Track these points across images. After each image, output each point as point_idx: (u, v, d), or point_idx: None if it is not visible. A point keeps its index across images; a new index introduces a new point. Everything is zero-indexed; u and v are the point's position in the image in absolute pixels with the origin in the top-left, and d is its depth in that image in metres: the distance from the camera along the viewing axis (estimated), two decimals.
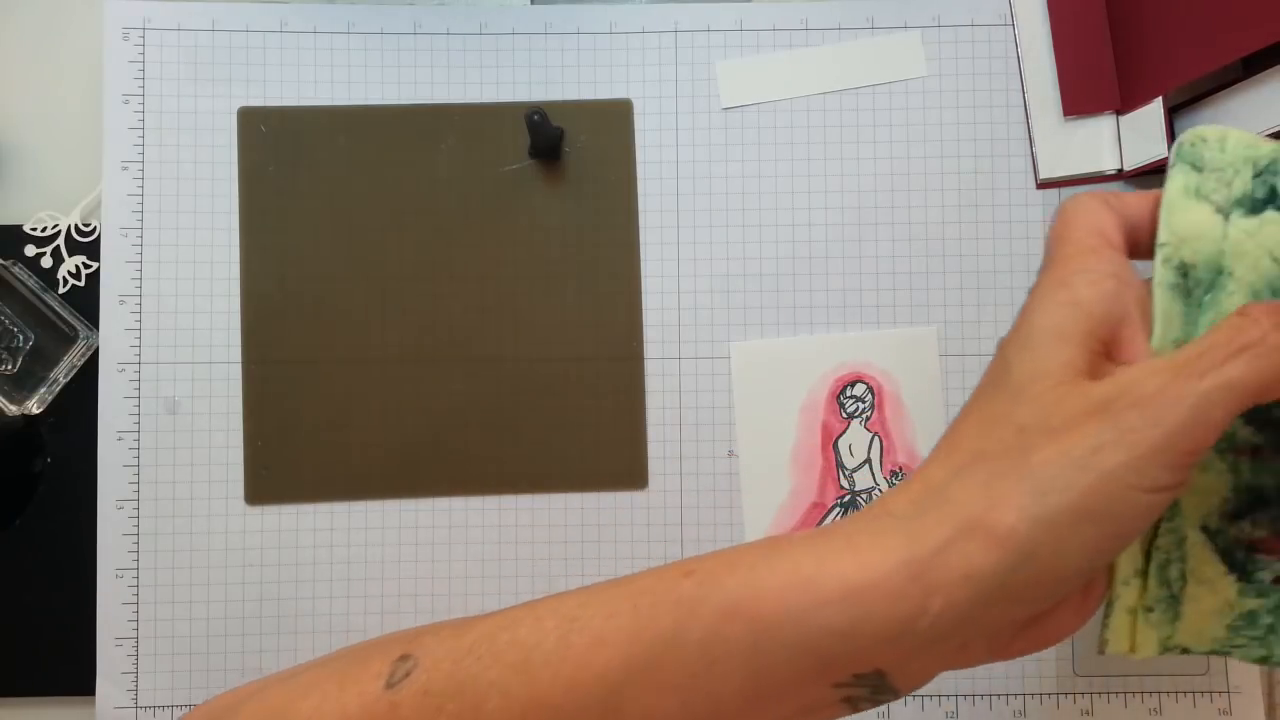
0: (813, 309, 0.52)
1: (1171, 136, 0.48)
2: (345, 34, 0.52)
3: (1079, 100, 0.51)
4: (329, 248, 0.51)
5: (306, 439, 0.51)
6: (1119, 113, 0.51)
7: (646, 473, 0.51)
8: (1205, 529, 0.32)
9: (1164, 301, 0.31)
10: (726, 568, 0.30)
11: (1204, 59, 0.45)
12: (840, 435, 0.51)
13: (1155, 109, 0.48)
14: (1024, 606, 0.29)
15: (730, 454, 0.51)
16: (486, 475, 0.51)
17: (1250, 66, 0.45)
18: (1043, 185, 0.52)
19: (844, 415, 0.51)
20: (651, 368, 0.52)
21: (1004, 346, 0.32)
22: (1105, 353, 0.30)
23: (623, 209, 0.52)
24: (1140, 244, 0.33)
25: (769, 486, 0.51)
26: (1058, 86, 0.52)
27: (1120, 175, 0.51)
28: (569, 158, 0.52)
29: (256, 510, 0.51)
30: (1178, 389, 0.27)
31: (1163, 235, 0.32)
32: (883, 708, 0.50)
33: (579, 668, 0.29)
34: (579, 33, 0.52)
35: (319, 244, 0.51)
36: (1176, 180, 0.32)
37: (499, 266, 0.52)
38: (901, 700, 0.50)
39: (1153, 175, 0.51)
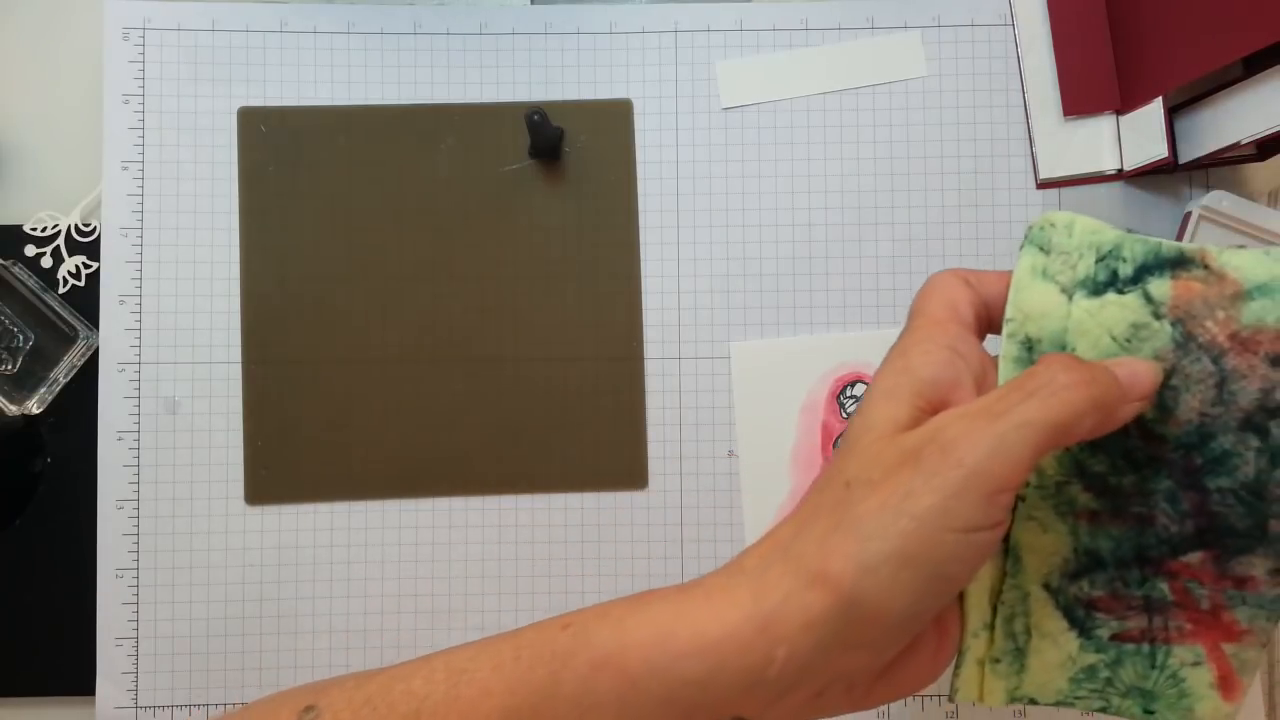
0: (813, 309, 0.52)
1: (1172, 136, 0.48)
2: (345, 34, 0.52)
3: (1079, 100, 0.51)
4: (329, 248, 0.51)
5: (306, 439, 0.51)
6: (1119, 113, 0.51)
7: (646, 473, 0.51)
8: (1047, 586, 0.34)
9: (1007, 372, 0.33)
10: (598, 620, 0.32)
11: (1204, 59, 0.45)
12: (840, 435, 0.51)
13: (1155, 109, 0.48)
14: (866, 652, 0.30)
15: (730, 454, 0.51)
16: (486, 475, 0.51)
17: (1250, 66, 0.45)
18: (1043, 185, 0.52)
19: (844, 415, 0.51)
20: (651, 368, 0.52)
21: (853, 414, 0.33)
22: (931, 411, 0.31)
23: (623, 209, 0.52)
24: (995, 320, 0.34)
25: (769, 486, 0.51)
26: (1058, 86, 0.52)
27: (1120, 175, 0.51)
28: (569, 158, 0.52)
29: (256, 510, 0.51)
30: (979, 430, 0.29)
31: (1010, 311, 0.34)
32: (882, 707, 0.50)
33: (464, 718, 0.31)
34: (579, 33, 0.52)
35: (319, 244, 0.51)
36: (1025, 261, 0.34)
37: (499, 266, 0.52)
38: (902, 700, 0.50)
39: (1151, 175, 0.51)
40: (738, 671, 0.30)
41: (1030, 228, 0.35)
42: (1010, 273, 0.34)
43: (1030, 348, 0.33)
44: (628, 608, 0.32)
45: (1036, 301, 0.34)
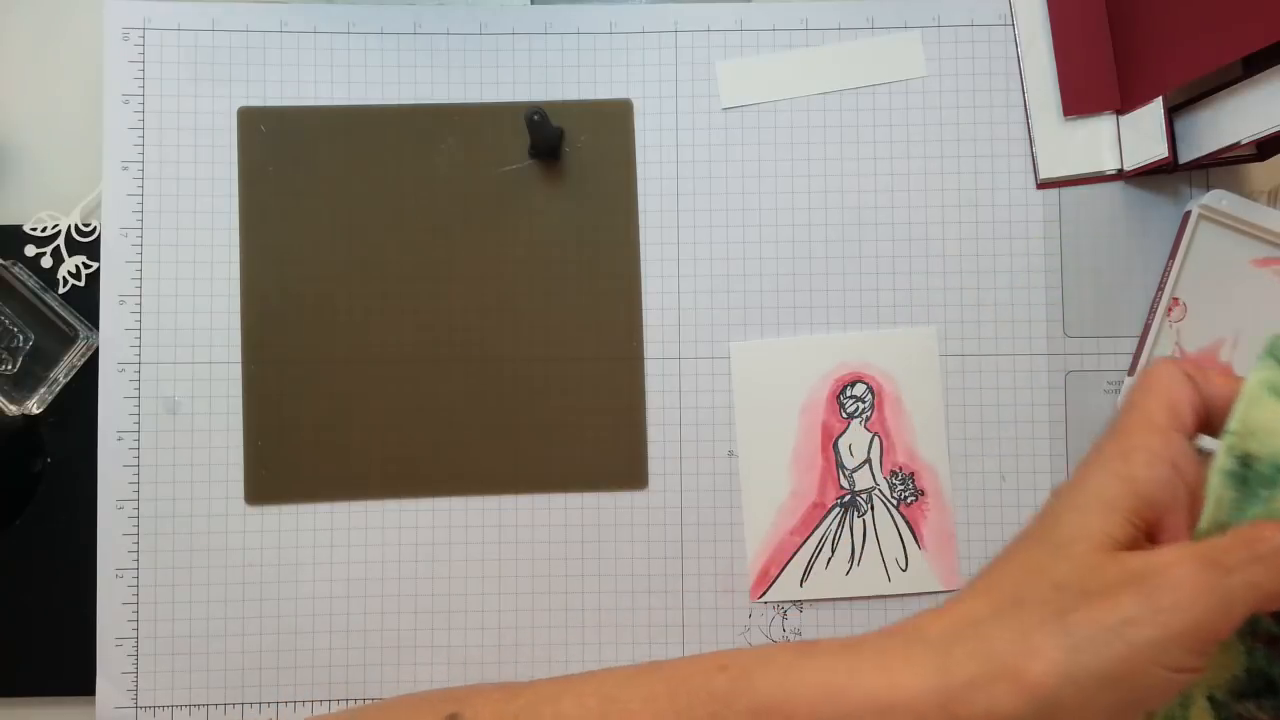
0: (813, 309, 0.52)
1: (1172, 136, 0.48)
2: (345, 34, 0.52)
3: (1079, 100, 0.51)
4: (329, 248, 0.51)
5: (306, 439, 0.51)
6: (1119, 113, 0.51)
7: (646, 473, 0.51)
8: (1212, 699, 0.34)
9: (1218, 486, 0.32)
10: (760, 665, 0.32)
11: (1204, 59, 0.45)
12: (840, 435, 0.51)
13: (1155, 109, 0.48)
14: None
15: (730, 454, 0.51)
16: (486, 475, 0.51)
17: (1250, 66, 0.45)
18: (1043, 185, 0.52)
19: (844, 415, 0.51)
20: (651, 368, 0.52)
21: (1057, 495, 0.33)
22: (1146, 530, 0.31)
23: (623, 209, 0.52)
24: (1214, 423, 0.34)
25: (769, 486, 0.51)
26: (1058, 86, 0.52)
27: (1120, 175, 0.51)
28: (569, 158, 0.52)
29: (256, 510, 0.51)
30: (1209, 581, 0.29)
31: (1233, 424, 0.33)
32: None
33: None
34: (579, 33, 0.52)
35: (319, 244, 0.51)
36: (1261, 374, 0.33)
37: (499, 266, 0.52)
38: None
39: (1151, 175, 0.51)
40: None
41: (1273, 340, 0.33)
42: (1237, 377, 0.33)
43: (1247, 464, 0.32)
44: (792, 656, 0.32)
45: (1265, 419, 0.32)
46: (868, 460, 0.51)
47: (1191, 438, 0.33)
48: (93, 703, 0.50)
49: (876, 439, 0.51)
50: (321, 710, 0.50)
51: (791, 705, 0.30)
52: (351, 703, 0.50)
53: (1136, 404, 0.34)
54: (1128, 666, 0.29)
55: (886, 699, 0.30)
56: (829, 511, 0.51)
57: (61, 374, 0.51)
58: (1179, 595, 0.29)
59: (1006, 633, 0.30)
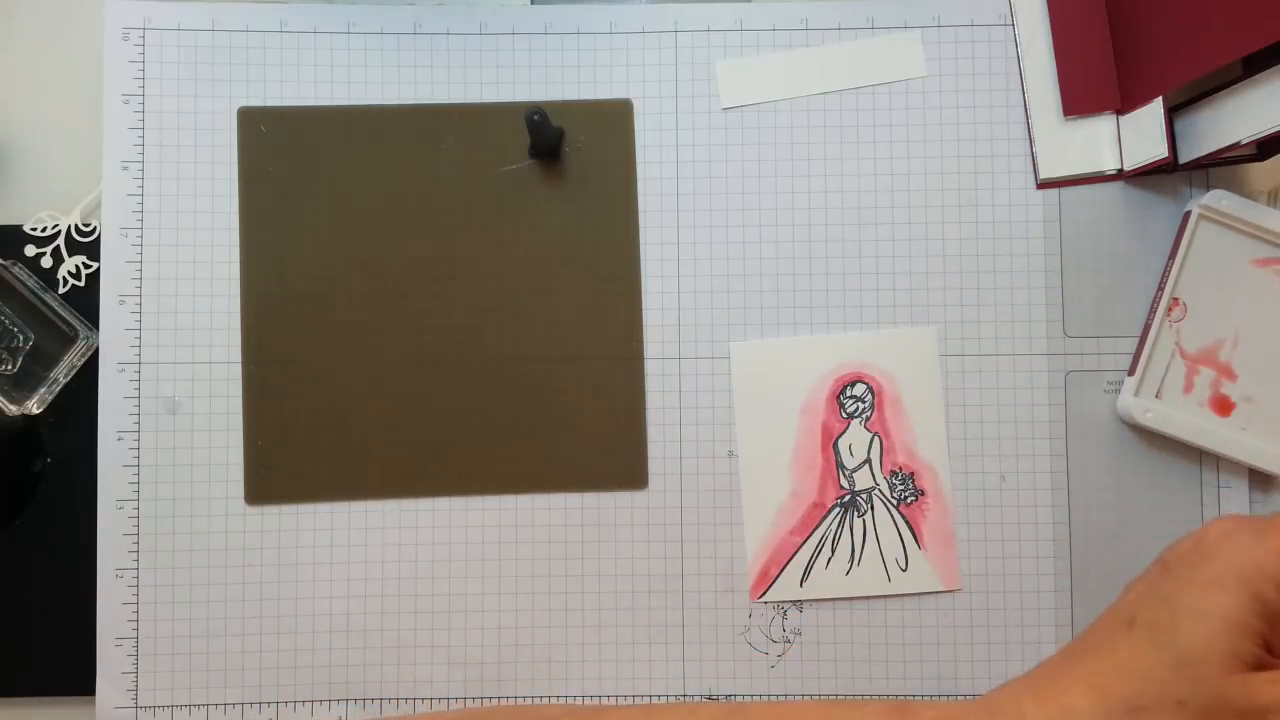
0: (813, 309, 0.52)
1: (1172, 136, 0.48)
2: (345, 34, 0.52)
3: (1079, 100, 0.51)
4: (329, 248, 0.51)
5: (306, 439, 0.51)
6: (1119, 113, 0.51)
7: (646, 473, 0.51)
8: None
9: None
10: None
11: (1204, 59, 0.45)
12: (840, 435, 0.51)
13: (1155, 109, 0.48)
14: None
15: (730, 454, 0.51)
16: (486, 475, 0.51)
17: (1250, 66, 0.45)
18: (1043, 185, 0.52)
19: (844, 415, 0.51)
20: (651, 368, 0.52)
21: (1172, 576, 0.33)
22: (1268, 648, 0.31)
23: (623, 209, 0.52)
24: None
25: (769, 486, 0.51)
26: (1058, 86, 0.52)
27: (1120, 175, 0.51)
28: (569, 158, 0.52)
29: (256, 510, 0.51)
30: None
31: None
32: None
33: None
34: (579, 33, 0.52)
35: (319, 244, 0.51)
36: None
37: (499, 266, 0.52)
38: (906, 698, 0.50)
39: (1151, 175, 0.51)
40: None
41: None
42: None
43: None
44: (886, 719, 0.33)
45: None
46: (868, 460, 0.51)
47: None
48: (93, 703, 0.50)
49: (876, 439, 0.51)
50: (321, 710, 0.50)
51: None
52: (351, 703, 0.50)
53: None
54: None
55: None
56: (829, 511, 0.51)
57: (61, 374, 0.51)
58: None
59: None
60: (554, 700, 0.51)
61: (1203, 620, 0.31)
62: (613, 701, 0.50)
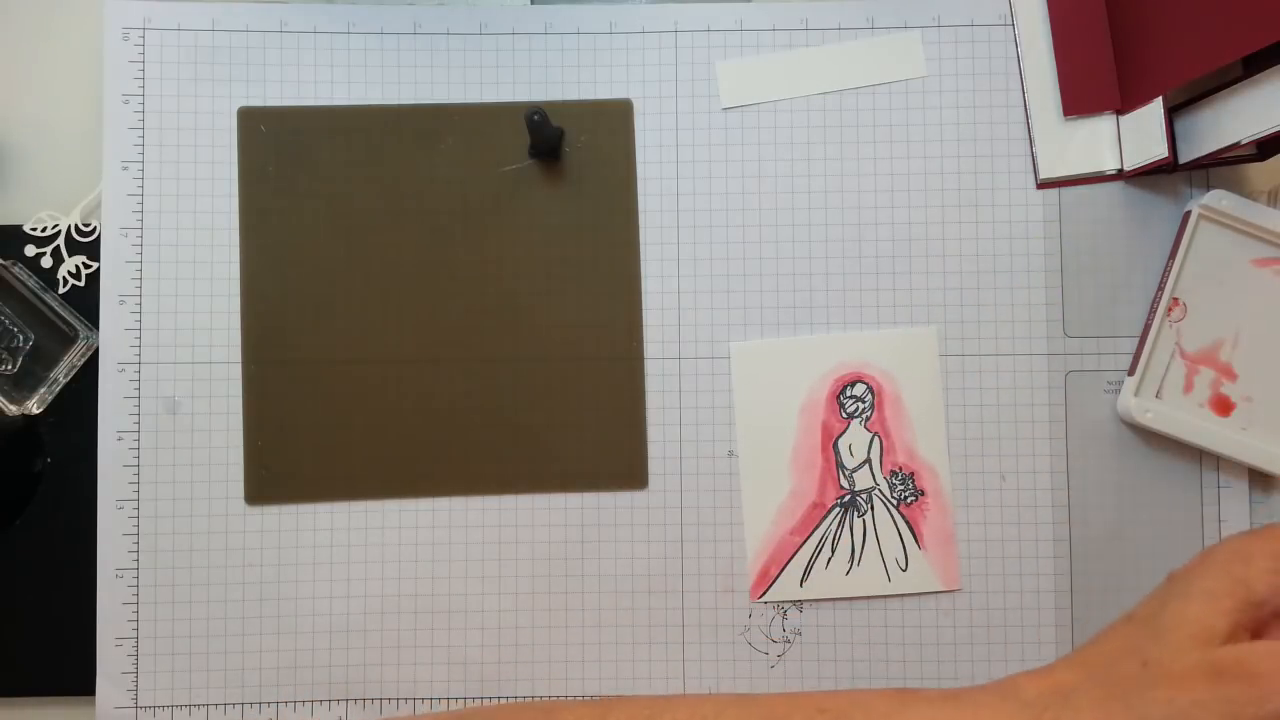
0: (813, 309, 0.52)
1: (1172, 136, 0.48)
2: (345, 34, 0.52)
3: (1079, 100, 0.51)
4: (329, 248, 0.51)
5: (306, 439, 0.51)
6: (1119, 113, 0.51)
7: (646, 473, 0.51)
8: None
9: None
10: (859, 711, 0.34)
11: (1204, 59, 0.45)
12: (840, 435, 0.51)
13: (1155, 109, 0.48)
14: None
15: (730, 454, 0.51)
16: (486, 475, 0.51)
17: (1250, 66, 0.45)
18: (1043, 185, 0.52)
19: (844, 415, 0.51)
20: (651, 368, 0.52)
21: (1171, 580, 0.35)
22: (1251, 629, 0.32)
23: (623, 209, 0.52)
24: None
25: (769, 486, 0.51)
26: (1058, 86, 0.52)
27: (1120, 175, 0.51)
28: (569, 158, 0.52)
29: (256, 510, 0.51)
30: None
31: None
32: None
33: None
34: (579, 33, 0.52)
35: (319, 244, 0.51)
36: None
37: (499, 266, 0.52)
38: None
39: (1151, 175, 0.51)
40: None
41: None
42: None
43: None
44: (891, 704, 0.34)
45: None
46: (867, 460, 0.51)
47: None
48: (93, 703, 0.50)
49: (876, 439, 0.51)
50: (321, 710, 0.50)
51: None
52: (351, 703, 0.50)
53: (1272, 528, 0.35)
54: None
55: None
56: (829, 511, 0.51)
57: (61, 374, 0.51)
58: (1255, 689, 0.29)
59: (1089, 702, 0.32)
60: (553, 701, 0.51)
61: (1183, 597, 0.33)
62: None
